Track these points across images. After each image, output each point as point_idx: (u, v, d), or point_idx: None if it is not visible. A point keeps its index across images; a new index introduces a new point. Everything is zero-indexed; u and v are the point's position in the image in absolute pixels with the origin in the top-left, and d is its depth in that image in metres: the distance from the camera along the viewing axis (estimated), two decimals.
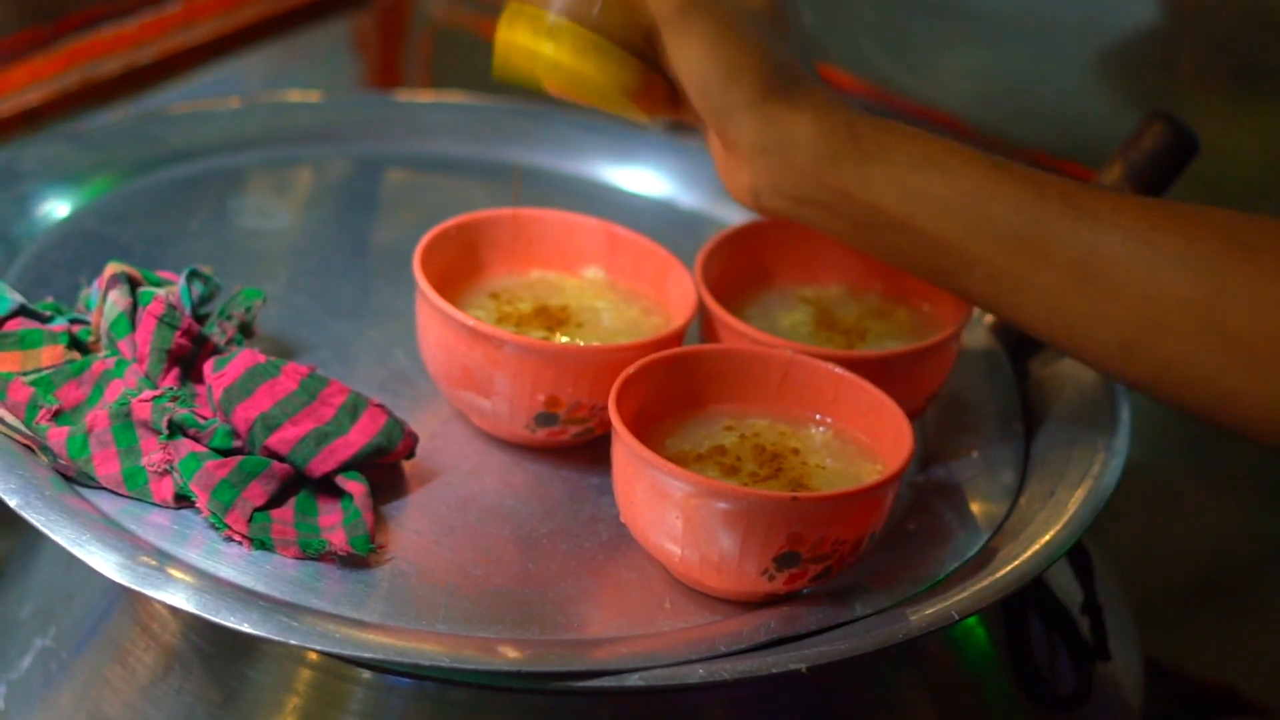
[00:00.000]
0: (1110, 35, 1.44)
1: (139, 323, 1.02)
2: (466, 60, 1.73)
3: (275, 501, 0.97)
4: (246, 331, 1.08)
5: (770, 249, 1.15)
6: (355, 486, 0.98)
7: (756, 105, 0.96)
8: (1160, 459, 1.48)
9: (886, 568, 0.98)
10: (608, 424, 0.96)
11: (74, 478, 0.97)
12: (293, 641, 0.88)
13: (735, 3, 0.98)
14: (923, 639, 0.94)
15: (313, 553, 0.95)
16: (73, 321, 1.05)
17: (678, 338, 1.04)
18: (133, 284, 1.04)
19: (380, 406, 1.00)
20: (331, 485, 0.99)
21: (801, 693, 0.99)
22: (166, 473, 0.96)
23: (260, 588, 0.92)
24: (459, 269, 1.09)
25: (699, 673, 0.90)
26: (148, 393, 0.98)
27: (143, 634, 1.00)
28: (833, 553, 0.93)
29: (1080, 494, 1.03)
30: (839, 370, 1.01)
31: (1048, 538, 0.99)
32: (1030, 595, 1.10)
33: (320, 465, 0.98)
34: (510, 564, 0.98)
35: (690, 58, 0.97)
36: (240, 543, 0.95)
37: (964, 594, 0.95)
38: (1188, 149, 1.13)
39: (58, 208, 1.19)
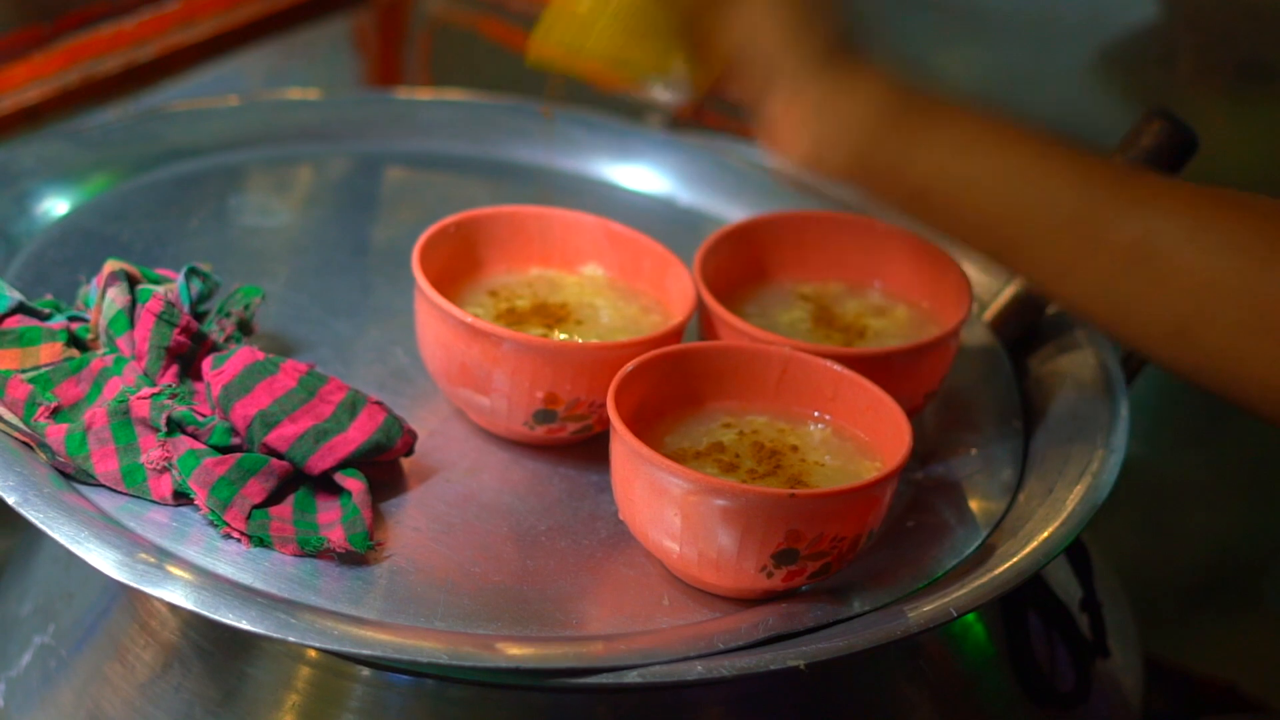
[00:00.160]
0: (1110, 33, 1.44)
1: (138, 320, 1.02)
2: (466, 58, 1.73)
3: (274, 499, 0.97)
4: (245, 329, 1.08)
5: (769, 246, 1.15)
6: (354, 484, 0.98)
7: (815, 70, 0.96)
8: (1160, 456, 1.48)
9: (885, 565, 0.98)
10: (606, 421, 0.96)
11: (73, 475, 0.97)
12: (291, 639, 0.89)
13: None
14: (921, 636, 0.94)
15: (311, 550, 0.95)
16: (71, 319, 1.05)
17: (676, 335, 1.04)
18: (131, 281, 1.04)
19: (379, 404, 1.00)
20: (330, 482, 0.99)
21: (800, 689, 0.99)
22: (165, 470, 0.96)
23: (259, 585, 0.92)
24: (458, 266, 1.09)
25: (697, 669, 0.90)
26: (146, 390, 0.98)
27: (142, 631, 1.00)
28: (831, 550, 0.93)
29: (1079, 491, 1.03)
30: (838, 367, 1.01)
31: (1046, 535, 0.99)
32: (1029, 592, 1.10)
33: (319, 462, 0.98)
34: (509, 561, 0.98)
35: (749, 22, 0.96)
36: (239, 540, 0.95)
37: (962, 591, 0.95)
38: (1187, 147, 1.13)
39: (57, 205, 1.19)
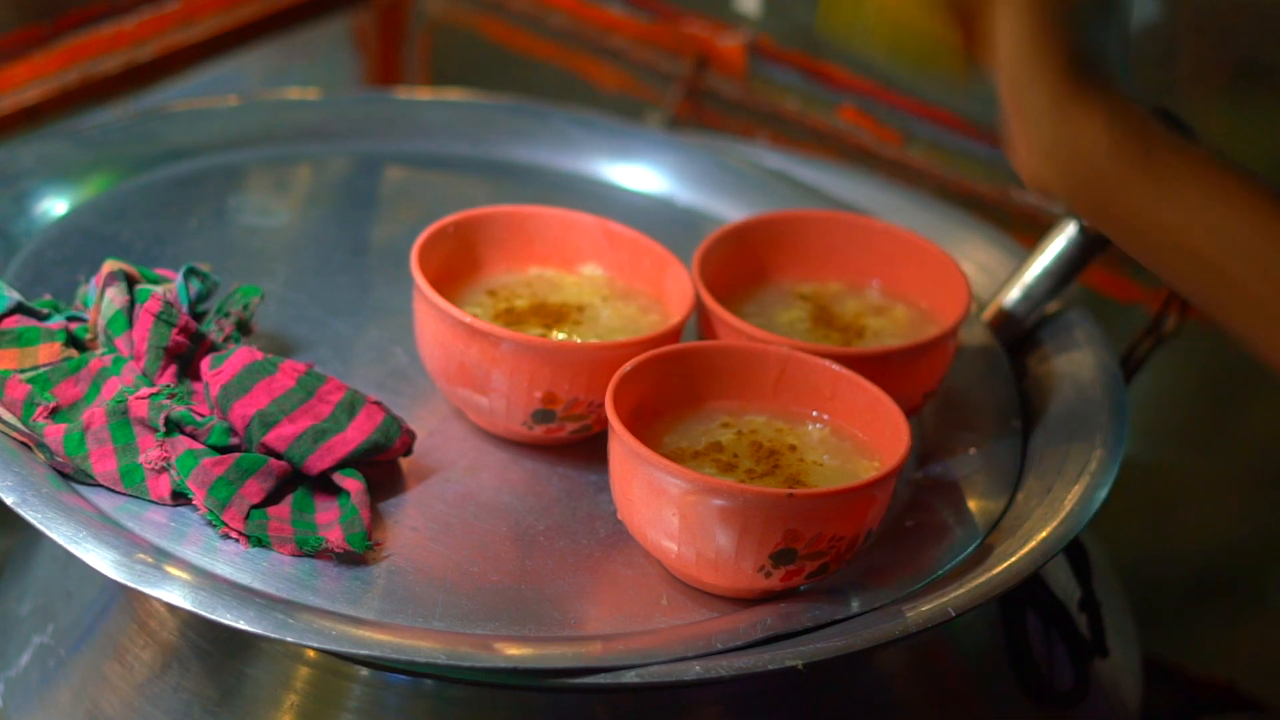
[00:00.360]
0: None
1: (136, 320, 1.02)
2: (465, 58, 1.73)
3: (272, 499, 0.97)
4: (244, 329, 1.08)
5: (768, 246, 1.15)
6: (352, 484, 0.98)
7: (1056, 81, 0.95)
8: (1160, 456, 1.48)
9: (883, 564, 0.98)
10: (605, 421, 0.96)
11: (71, 475, 0.97)
12: (289, 639, 0.89)
13: None
14: (919, 636, 0.94)
15: (310, 550, 0.95)
16: (70, 319, 1.05)
17: (675, 335, 1.04)
18: (130, 281, 1.04)
19: (378, 404, 1.00)
20: (329, 482, 0.99)
21: (798, 689, 0.99)
22: (163, 470, 0.96)
23: (257, 585, 0.92)
24: (457, 266, 1.09)
25: (695, 669, 0.90)
26: (145, 390, 0.98)
27: (140, 631, 1.01)
28: (829, 549, 0.93)
29: (1078, 491, 1.03)
30: (836, 367, 1.01)
31: (1045, 534, 0.99)
32: (1027, 592, 1.10)
33: (317, 462, 0.98)
34: (507, 561, 0.98)
35: (1007, 19, 0.96)
36: (237, 540, 0.95)
37: (961, 590, 0.95)
38: None
39: (56, 205, 1.19)
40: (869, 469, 0.98)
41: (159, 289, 1.04)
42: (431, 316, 1.03)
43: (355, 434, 0.99)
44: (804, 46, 1.55)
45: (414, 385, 1.10)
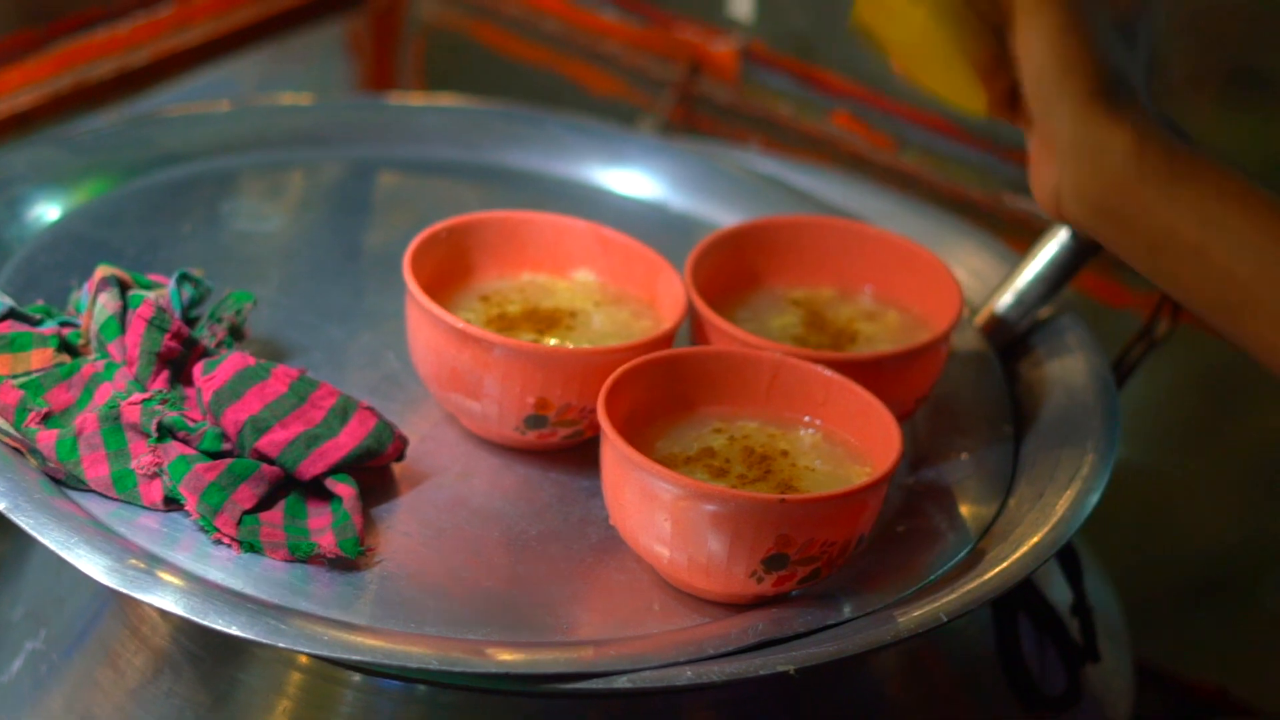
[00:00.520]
0: None
1: (128, 325, 1.02)
2: (459, 63, 1.73)
3: (264, 504, 0.97)
4: (236, 334, 1.08)
5: (761, 251, 1.15)
6: (345, 489, 0.98)
7: (1082, 104, 0.96)
8: (1152, 461, 1.48)
9: (875, 569, 0.98)
10: (597, 426, 0.96)
11: (63, 480, 0.97)
12: (281, 644, 0.89)
13: (1094, 2, 0.98)
14: (911, 641, 0.94)
15: (302, 555, 0.95)
16: (62, 324, 1.05)
17: (667, 340, 1.05)
18: (123, 287, 1.04)
19: (370, 409, 1.01)
20: (321, 488, 0.99)
21: (790, 694, 0.99)
22: (156, 475, 0.96)
23: (249, 590, 0.92)
24: (449, 272, 1.10)
25: (687, 674, 0.90)
26: (137, 395, 0.98)
27: (133, 637, 1.01)
28: (821, 555, 0.93)
29: (1069, 496, 1.03)
30: (828, 373, 1.01)
31: (1037, 540, 1.00)
32: (1019, 597, 1.10)
33: (310, 468, 0.98)
34: (500, 566, 0.98)
35: (1034, 44, 0.96)
36: (229, 545, 0.95)
37: (952, 596, 0.95)
38: None
39: (49, 211, 1.19)
40: (861, 474, 0.98)
41: (151, 294, 1.04)
42: (424, 322, 1.03)
43: (348, 439, 0.99)
44: (797, 52, 1.55)
45: (406, 390, 1.10)
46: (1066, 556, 1.13)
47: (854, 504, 0.93)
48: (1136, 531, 1.47)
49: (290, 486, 0.98)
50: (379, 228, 1.29)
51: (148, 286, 1.07)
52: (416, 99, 1.41)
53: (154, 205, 1.23)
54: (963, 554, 1.01)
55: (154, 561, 0.92)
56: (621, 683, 0.89)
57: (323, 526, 0.96)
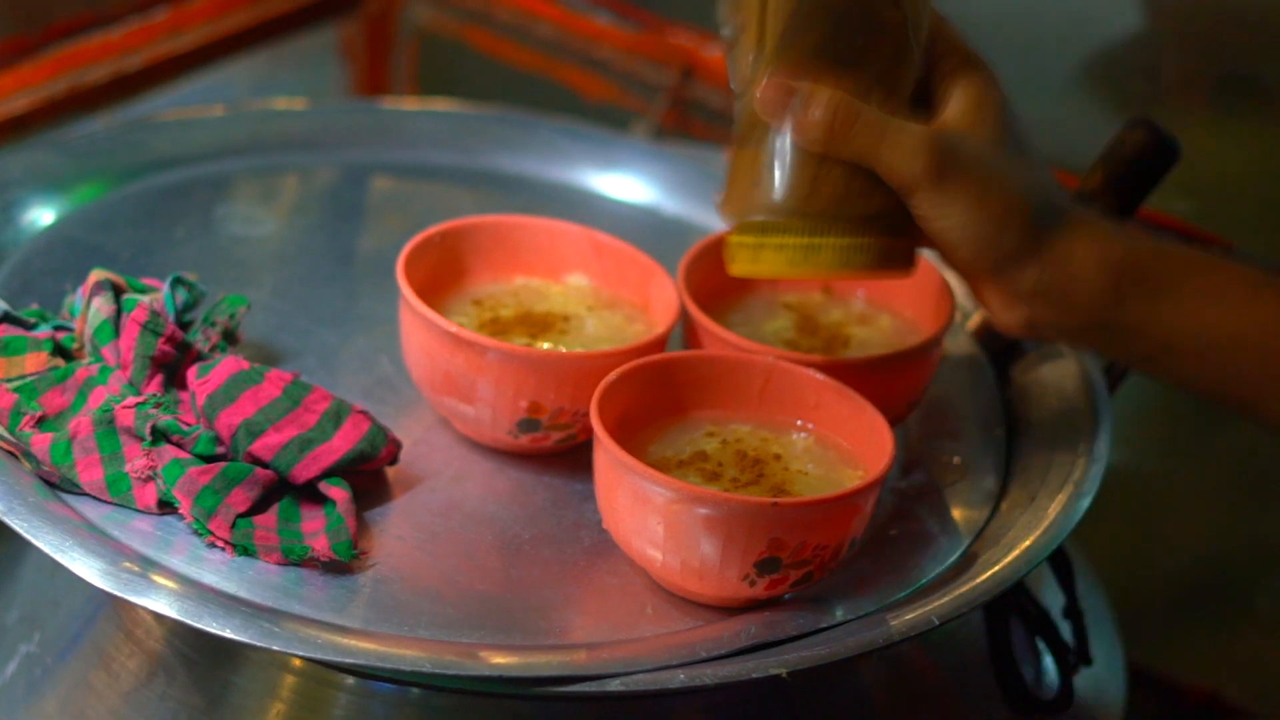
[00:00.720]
0: (1095, 44, 1.44)
1: (123, 329, 1.02)
2: (453, 68, 1.74)
3: (258, 508, 0.97)
4: (230, 338, 1.08)
5: None
6: (338, 493, 0.98)
7: (1032, 249, 0.92)
8: (1144, 465, 1.48)
9: (867, 573, 0.99)
10: (590, 430, 0.96)
11: (57, 484, 0.97)
12: (275, 647, 0.89)
13: (983, 147, 0.93)
14: (903, 644, 0.94)
15: (295, 559, 0.95)
16: (57, 328, 1.05)
17: (660, 344, 1.05)
18: (117, 291, 1.05)
19: (363, 413, 1.01)
20: (314, 491, 0.99)
21: (782, 697, 1.00)
22: (150, 479, 0.96)
23: (243, 593, 0.92)
24: (443, 276, 1.10)
25: (680, 678, 0.90)
26: (131, 399, 0.98)
27: (127, 640, 1.01)
28: (813, 558, 0.94)
29: (1061, 499, 1.03)
30: (821, 376, 1.01)
31: (1029, 543, 1.00)
32: (1011, 600, 1.10)
33: (303, 471, 0.98)
34: (493, 570, 0.98)
35: (953, 217, 0.93)
36: (223, 549, 0.95)
37: (944, 599, 0.95)
38: (1168, 156, 1.13)
39: (43, 215, 1.19)
40: (853, 478, 0.98)
41: (146, 298, 1.04)
42: (417, 326, 1.04)
43: (341, 443, 0.99)
44: None
45: (400, 394, 1.10)
46: (1058, 560, 1.13)
47: (846, 507, 0.93)
48: (1128, 535, 1.48)
49: (284, 490, 0.99)
50: (373, 232, 1.29)
51: (142, 290, 1.07)
52: (410, 104, 1.41)
53: (148, 209, 1.23)
54: (955, 557, 1.01)
55: (148, 565, 0.92)
56: (614, 686, 0.89)
57: (316, 530, 0.97)
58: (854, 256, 0.96)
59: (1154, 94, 1.42)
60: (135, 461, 0.96)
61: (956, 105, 0.95)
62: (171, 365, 1.03)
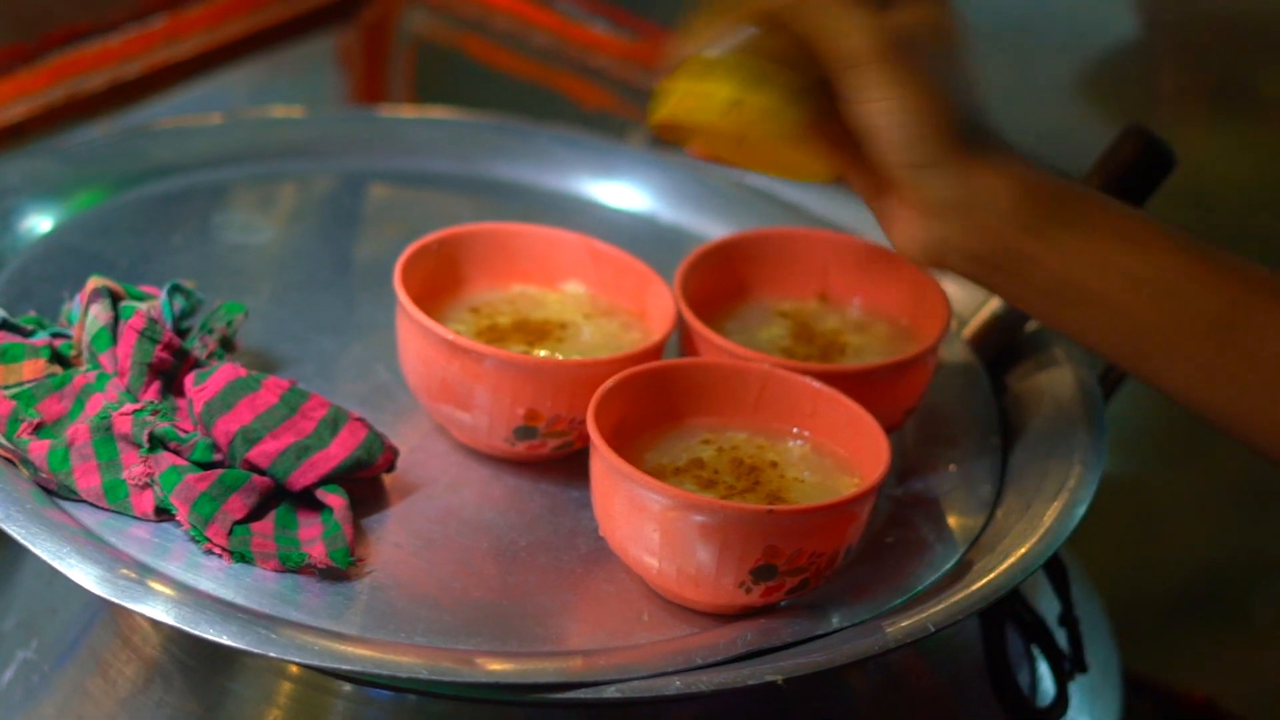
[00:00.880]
0: (1091, 51, 1.45)
1: (120, 337, 1.02)
2: (450, 76, 1.74)
3: (255, 515, 0.97)
4: (228, 345, 1.08)
5: (749, 263, 1.15)
6: (335, 500, 0.98)
7: (953, 160, 0.91)
8: (1140, 472, 1.48)
9: (863, 580, 0.99)
10: (587, 437, 0.96)
11: (55, 491, 0.97)
12: (272, 654, 0.89)
13: (930, 46, 0.92)
14: (899, 651, 0.94)
15: (292, 565, 0.95)
16: (54, 335, 1.05)
17: (657, 352, 1.05)
18: (114, 298, 1.05)
19: (361, 420, 1.01)
20: (311, 498, 0.99)
21: (778, 704, 1.00)
22: (147, 486, 0.96)
23: (240, 600, 0.92)
24: (440, 283, 1.10)
25: (676, 684, 0.90)
26: (129, 406, 0.99)
27: (124, 646, 1.01)
28: (809, 565, 0.94)
29: (1056, 507, 1.03)
30: (817, 384, 1.02)
31: (1024, 550, 1.00)
32: (1007, 608, 1.10)
33: (300, 478, 0.98)
34: (489, 577, 0.98)
35: (883, 108, 0.90)
36: (220, 555, 0.95)
37: (940, 606, 0.95)
38: (1164, 163, 1.14)
39: (41, 222, 1.19)
40: (849, 485, 0.99)
41: (143, 306, 1.04)
42: (414, 333, 1.04)
43: (338, 450, 0.99)
44: None
45: (397, 402, 1.10)
46: (1054, 567, 1.13)
47: (842, 515, 0.94)
48: (1124, 542, 1.48)
49: (281, 497, 0.99)
50: (370, 239, 1.29)
51: (139, 298, 1.07)
52: (407, 112, 1.41)
53: (146, 217, 1.23)
54: (950, 565, 1.01)
55: (145, 571, 0.92)
56: (610, 693, 0.90)
57: (313, 537, 0.97)
58: (773, 122, 0.94)
59: (1149, 101, 1.42)
60: (133, 468, 0.97)
61: (911, 7, 0.94)
62: (169, 372, 1.03)
